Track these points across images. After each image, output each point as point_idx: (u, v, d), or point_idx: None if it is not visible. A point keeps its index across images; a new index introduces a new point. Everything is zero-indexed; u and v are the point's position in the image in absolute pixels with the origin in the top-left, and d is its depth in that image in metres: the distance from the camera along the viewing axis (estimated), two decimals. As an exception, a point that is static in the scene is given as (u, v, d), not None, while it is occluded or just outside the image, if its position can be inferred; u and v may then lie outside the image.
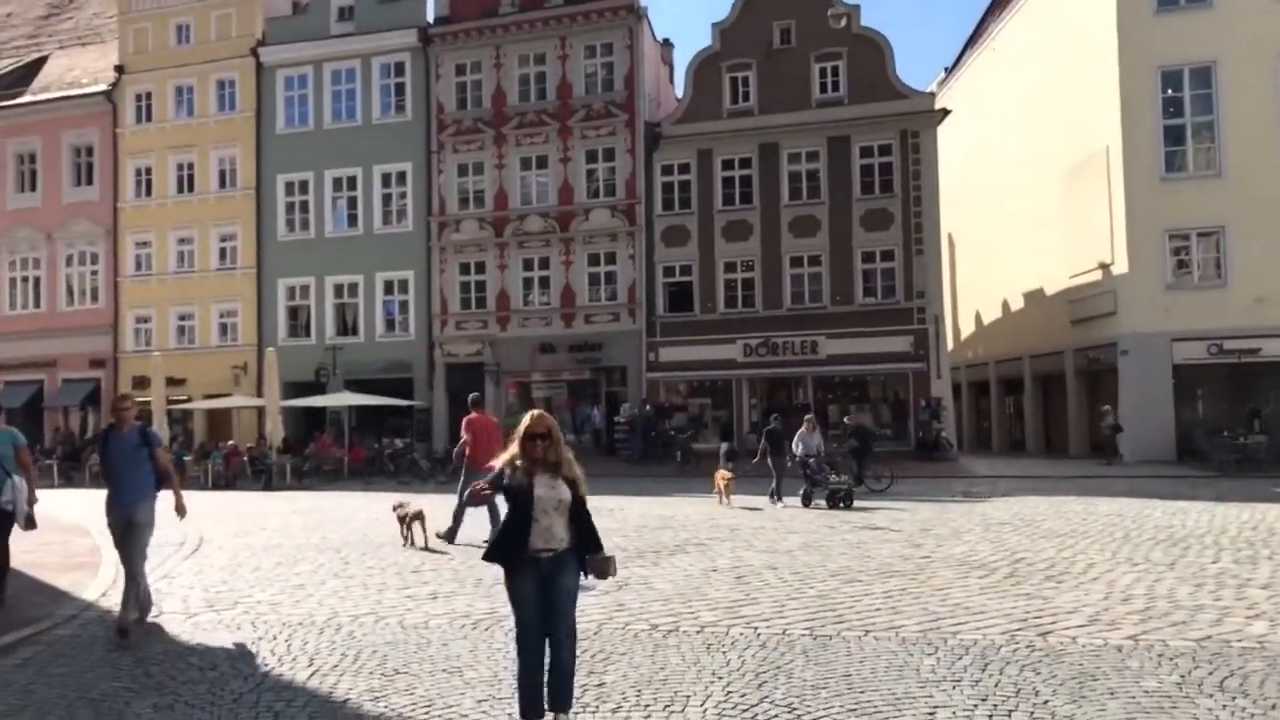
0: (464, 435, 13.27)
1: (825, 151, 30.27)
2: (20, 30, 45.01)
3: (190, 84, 35.79)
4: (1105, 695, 5.47)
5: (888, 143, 29.91)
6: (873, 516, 14.92)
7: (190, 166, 35.70)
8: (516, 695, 5.12)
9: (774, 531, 13.26)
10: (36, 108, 37.40)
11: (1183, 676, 5.83)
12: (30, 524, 8.78)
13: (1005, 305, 35.60)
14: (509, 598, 5.12)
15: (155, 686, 6.16)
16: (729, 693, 5.73)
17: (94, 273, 36.76)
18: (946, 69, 42.71)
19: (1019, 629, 7.14)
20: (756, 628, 7.37)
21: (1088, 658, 6.31)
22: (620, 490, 19.50)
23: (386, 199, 33.88)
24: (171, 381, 31.93)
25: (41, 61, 40.82)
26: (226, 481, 26.77)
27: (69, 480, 28.22)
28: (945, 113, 30.32)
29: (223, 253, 35.33)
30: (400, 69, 33.85)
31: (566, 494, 5.08)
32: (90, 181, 36.91)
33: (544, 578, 5.02)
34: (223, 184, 35.40)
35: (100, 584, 9.92)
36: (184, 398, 33.69)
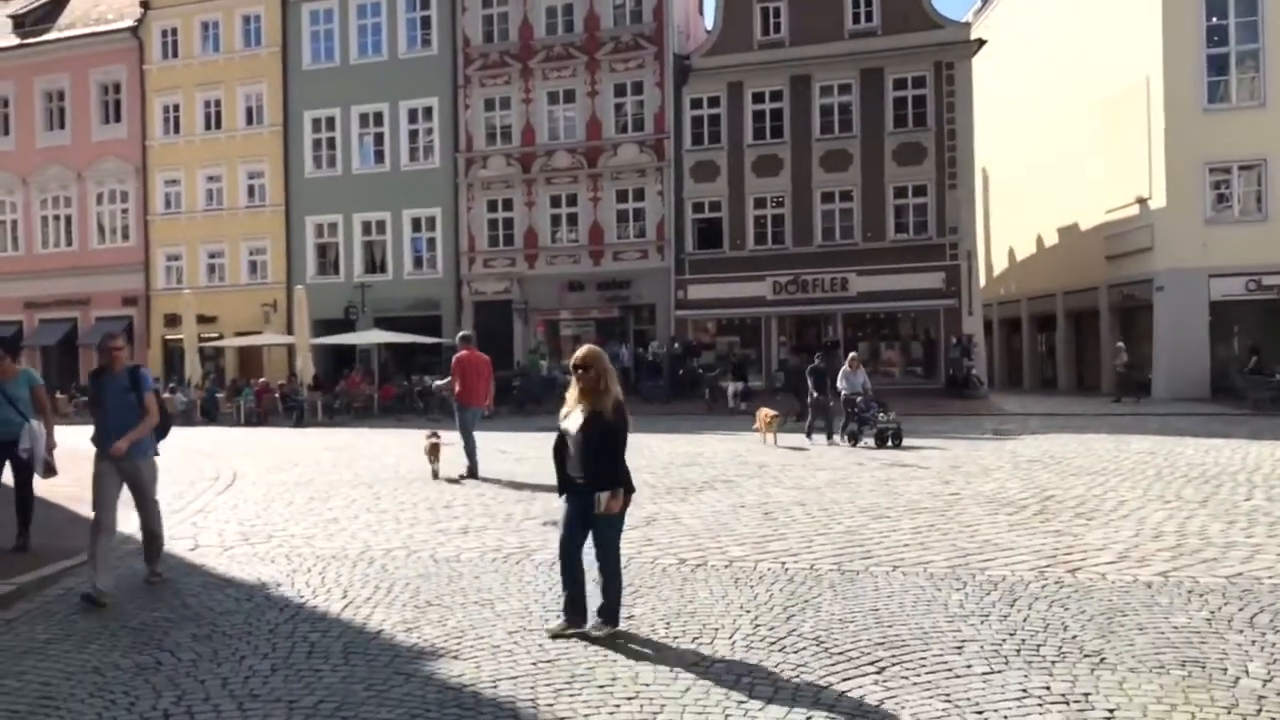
0: (453, 373, 13.39)
1: (858, 84, 29.71)
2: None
3: (216, 19, 35.56)
4: (1134, 630, 5.45)
5: (921, 75, 29.29)
6: (902, 454, 14.89)
7: (217, 103, 35.63)
8: None
9: (802, 468, 13.28)
10: (63, 44, 37.32)
11: (1212, 613, 5.80)
12: (50, 471, 8.16)
13: (1039, 241, 35.07)
14: None
15: (193, 617, 6.28)
16: (757, 625, 5.76)
17: (124, 211, 36.97)
18: (982, -2, 41.60)
19: (1048, 565, 7.11)
20: (784, 562, 7.40)
21: (1117, 594, 6.28)
22: (650, 429, 19.56)
23: (413, 135, 33.69)
24: (202, 319, 32.30)
25: (67, -3, 40.65)
26: (258, 418, 27.14)
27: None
28: (981, 43, 29.59)
29: (251, 190, 35.39)
30: (426, 2, 33.37)
31: (573, 425, 5.53)
32: (119, 119, 36.93)
33: (579, 502, 5.58)
34: (250, 121, 35.32)
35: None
36: (215, 335, 34.05)
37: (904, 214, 29.54)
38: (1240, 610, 5.84)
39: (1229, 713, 4.28)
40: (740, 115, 30.66)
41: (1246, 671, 4.78)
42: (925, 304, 28.90)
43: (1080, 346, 33.19)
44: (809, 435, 17.38)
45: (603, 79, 31.61)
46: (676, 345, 29.74)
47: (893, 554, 7.62)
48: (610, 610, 5.61)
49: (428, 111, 33.43)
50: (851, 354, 18.91)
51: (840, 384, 17.32)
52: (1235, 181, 26.61)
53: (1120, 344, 26.80)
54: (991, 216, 38.60)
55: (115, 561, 7.30)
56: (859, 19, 29.86)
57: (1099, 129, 29.86)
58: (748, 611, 6.08)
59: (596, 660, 5.18)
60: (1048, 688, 4.61)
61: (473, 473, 12.86)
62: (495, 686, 4.83)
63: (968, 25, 32.01)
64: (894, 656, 5.12)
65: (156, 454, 7.39)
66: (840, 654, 5.19)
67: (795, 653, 5.24)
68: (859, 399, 16.82)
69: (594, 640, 5.47)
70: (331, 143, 34.40)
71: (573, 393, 5.71)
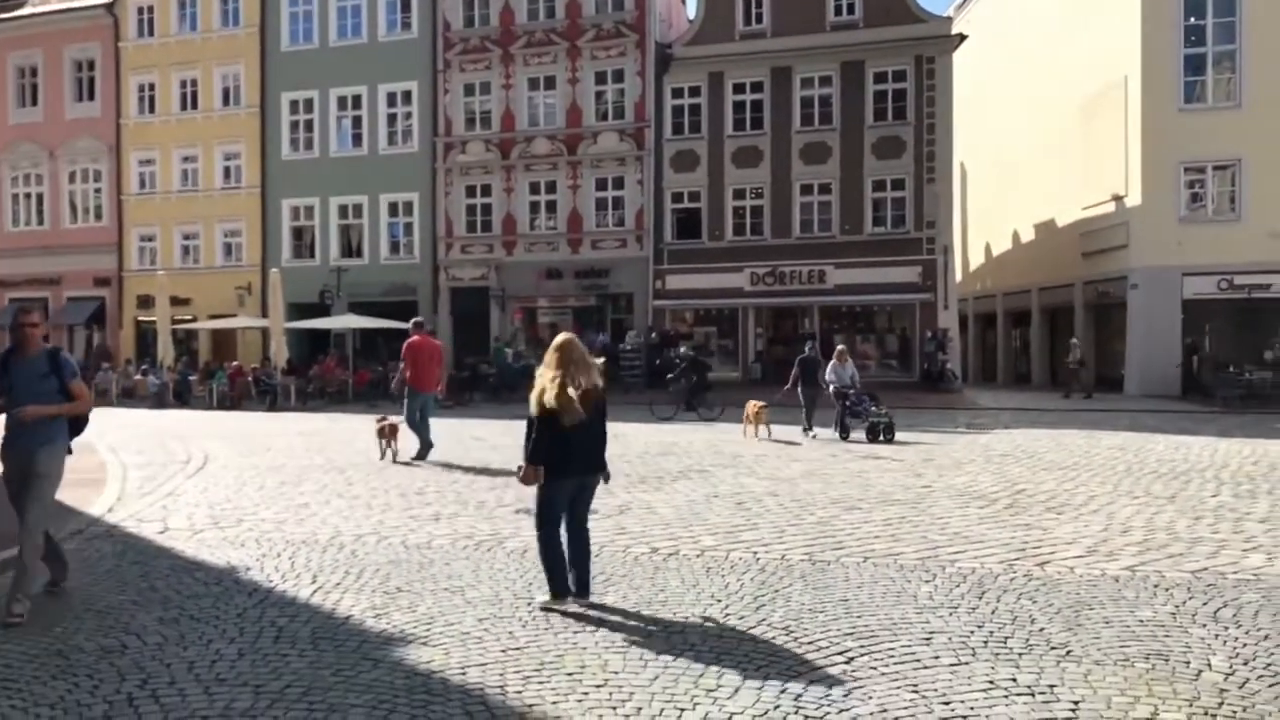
0: (404, 358, 13.44)
1: (838, 76, 29.71)
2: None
3: (193, -2, 35.14)
4: (1100, 624, 5.51)
5: (902, 68, 29.32)
6: (875, 447, 14.95)
7: (194, 83, 35.16)
8: None
9: (776, 459, 13.32)
10: (37, 20, 36.70)
11: (1177, 607, 5.87)
12: None
13: (1015, 237, 35.28)
14: None
15: (160, 600, 6.23)
16: (727, 614, 5.78)
17: (97, 190, 36.47)
18: (964, -7, 41.70)
19: (1017, 558, 7.18)
20: (756, 552, 7.43)
21: (1084, 587, 6.35)
22: (624, 417, 19.51)
23: (391, 119, 33.42)
24: (176, 301, 31.95)
25: (41, -29, 40.07)
26: (231, 402, 26.92)
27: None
28: (962, 38, 29.66)
29: (227, 171, 35.00)
30: (406, -15, 33.10)
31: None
32: (93, 97, 36.40)
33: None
34: (226, 101, 34.91)
35: (106, 500, 10.09)
36: (189, 317, 33.73)
37: (882, 207, 29.61)
38: (1204, 605, 5.92)
39: (1191, 705, 4.33)
40: (721, 105, 30.61)
41: (1209, 665, 4.84)
42: (901, 298, 29.01)
43: (1055, 343, 33.43)
44: (808, 429, 16.75)
45: (583, 66, 31.46)
46: (654, 335, 29.71)
47: (864, 545, 7.67)
48: (581, 583, 6.08)
49: (407, 95, 33.16)
50: (839, 347, 18.66)
51: (829, 376, 17.13)
52: (1209, 181, 26.87)
53: (1074, 340, 27.10)
54: (969, 212, 38.80)
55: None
56: (841, 11, 29.84)
57: (1077, 126, 30.06)
58: (718, 600, 6.10)
59: (566, 648, 5.18)
60: (1014, 679, 4.65)
61: (422, 455, 13.07)
62: (464, 673, 4.82)
63: (949, 20, 32.07)
64: (863, 647, 5.15)
65: (69, 450, 6.25)
66: (809, 643, 5.22)
67: (764, 642, 5.26)
68: (850, 392, 16.75)
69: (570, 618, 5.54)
70: (309, 125, 34.06)
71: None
